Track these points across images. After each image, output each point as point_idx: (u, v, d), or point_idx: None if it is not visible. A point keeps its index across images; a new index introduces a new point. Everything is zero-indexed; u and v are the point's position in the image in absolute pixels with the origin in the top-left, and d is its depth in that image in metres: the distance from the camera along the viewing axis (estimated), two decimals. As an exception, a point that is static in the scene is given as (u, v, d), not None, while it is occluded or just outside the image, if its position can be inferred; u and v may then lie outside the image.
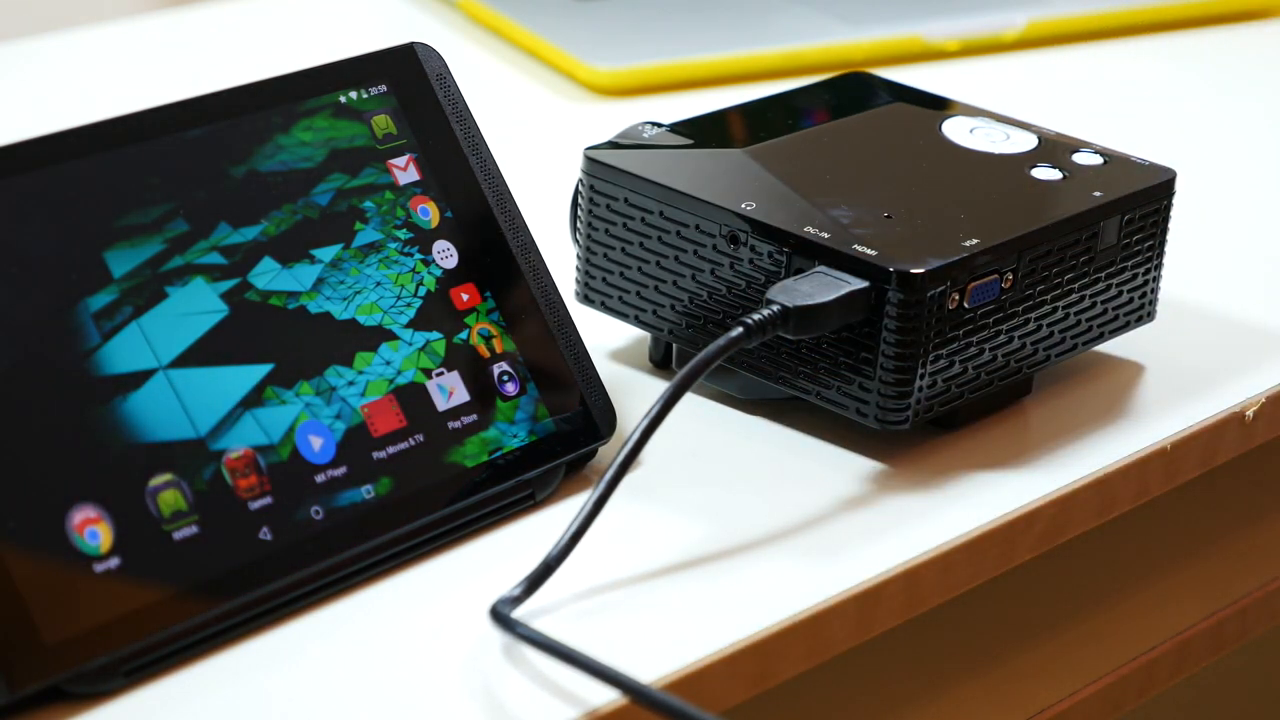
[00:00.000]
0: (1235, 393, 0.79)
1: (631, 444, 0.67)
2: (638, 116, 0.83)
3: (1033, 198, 0.77)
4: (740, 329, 0.70)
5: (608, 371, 0.77)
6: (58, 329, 0.62)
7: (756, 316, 0.70)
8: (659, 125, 0.81)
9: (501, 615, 0.63)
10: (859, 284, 0.71)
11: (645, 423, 0.67)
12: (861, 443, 0.74)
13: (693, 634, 0.64)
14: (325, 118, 0.70)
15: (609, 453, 0.72)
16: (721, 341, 0.69)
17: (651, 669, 0.62)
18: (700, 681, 0.63)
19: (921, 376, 0.71)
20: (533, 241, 0.73)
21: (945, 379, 0.73)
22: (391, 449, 0.67)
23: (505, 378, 0.71)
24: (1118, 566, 0.87)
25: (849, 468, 0.73)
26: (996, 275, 0.73)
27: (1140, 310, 0.80)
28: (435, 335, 0.70)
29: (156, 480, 0.63)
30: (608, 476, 0.66)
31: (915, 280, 0.70)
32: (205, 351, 0.65)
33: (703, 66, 1.11)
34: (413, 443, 0.68)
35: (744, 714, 0.66)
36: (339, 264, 0.69)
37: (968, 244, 0.72)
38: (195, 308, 0.65)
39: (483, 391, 0.70)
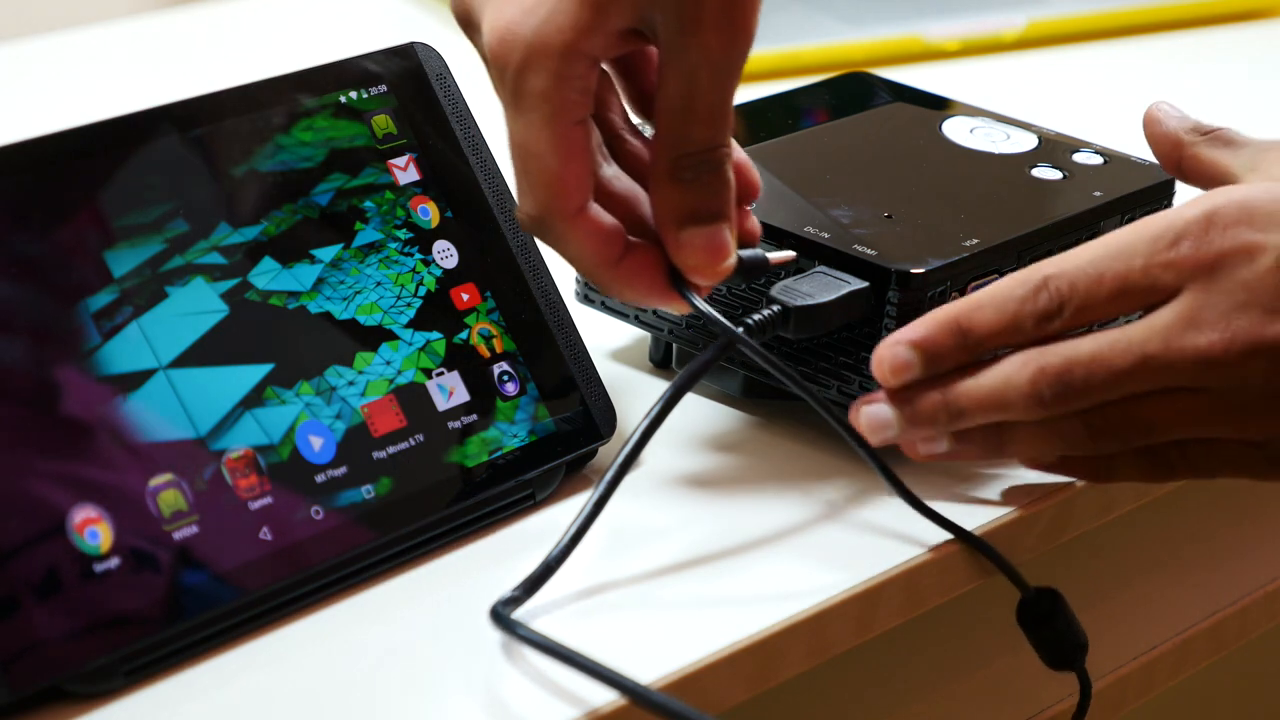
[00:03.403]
0: (1235, 393, 0.79)
1: (631, 445, 0.66)
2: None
3: (1033, 197, 0.77)
4: (740, 329, 0.70)
5: (608, 371, 0.77)
6: (58, 329, 0.62)
7: (756, 316, 0.70)
8: (659, 125, 0.80)
9: (502, 616, 0.63)
10: (859, 284, 0.71)
11: (645, 423, 0.67)
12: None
13: (693, 634, 0.64)
14: (325, 118, 0.70)
15: (609, 452, 0.72)
16: (721, 343, 0.69)
17: (651, 669, 0.62)
18: (700, 681, 0.63)
19: (922, 376, 0.71)
20: (533, 241, 0.73)
21: (945, 379, 0.72)
22: (391, 449, 0.67)
23: (505, 378, 0.71)
24: (1117, 566, 0.87)
25: (849, 468, 0.73)
26: (997, 275, 0.73)
27: (1140, 310, 0.80)
28: (435, 335, 0.70)
29: (156, 480, 0.63)
30: (608, 477, 0.66)
31: (915, 280, 0.70)
32: (205, 351, 0.65)
33: (703, 66, 1.10)
34: (413, 443, 0.68)
35: (744, 714, 0.66)
36: (339, 264, 0.69)
37: (968, 244, 0.72)
38: (195, 308, 0.65)
39: (483, 391, 0.70)
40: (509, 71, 0.64)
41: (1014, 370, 0.67)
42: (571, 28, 0.64)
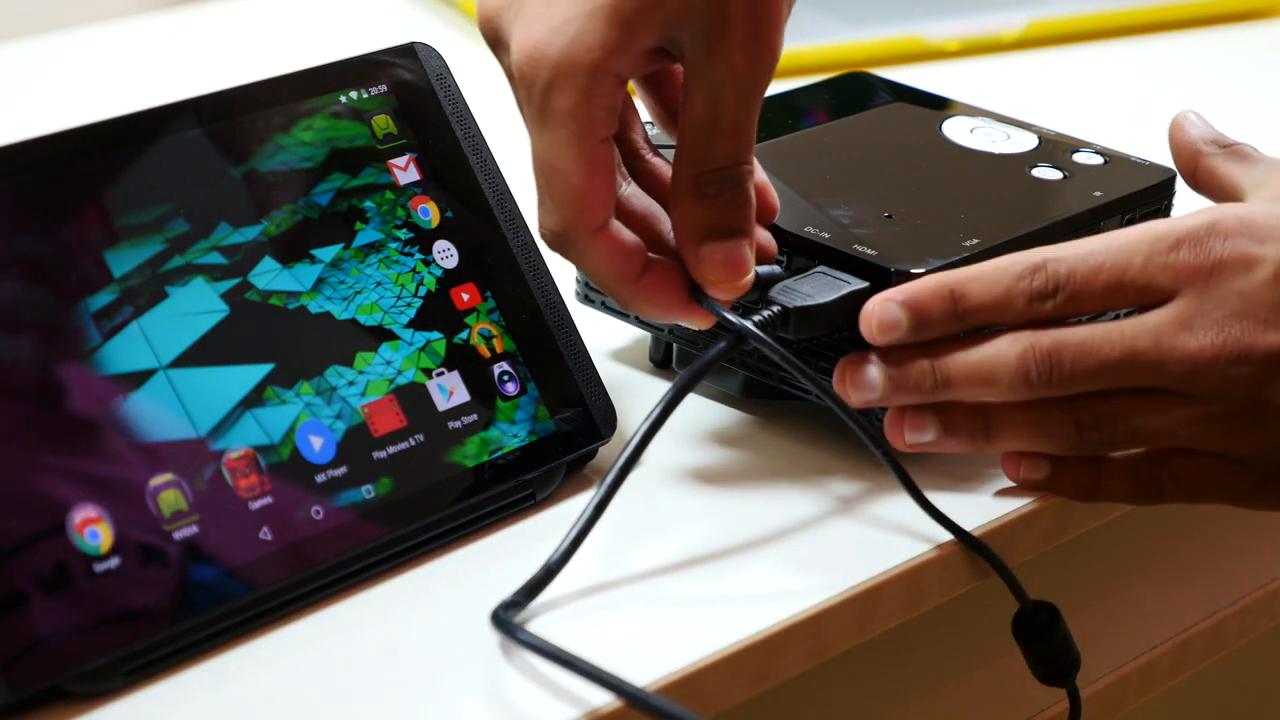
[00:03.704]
0: (1235, 393, 0.79)
1: (632, 448, 0.66)
2: (638, 116, 0.82)
3: (1033, 197, 0.77)
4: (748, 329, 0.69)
5: (608, 371, 0.77)
6: (58, 329, 0.62)
7: (757, 318, 0.70)
8: (659, 125, 0.81)
9: (503, 621, 0.63)
10: (860, 284, 0.71)
11: (646, 425, 0.67)
12: (862, 442, 0.74)
13: (693, 634, 0.64)
14: (325, 118, 0.70)
15: (609, 452, 0.72)
16: (723, 343, 0.69)
17: (652, 669, 0.62)
18: (700, 681, 0.63)
19: (922, 376, 0.71)
20: (533, 241, 0.73)
21: (945, 379, 0.72)
22: (392, 449, 0.67)
23: (505, 378, 0.71)
24: (1117, 566, 0.87)
25: (849, 468, 0.73)
26: (997, 275, 0.73)
27: (1140, 310, 0.80)
28: (435, 335, 0.70)
29: (157, 480, 0.63)
30: (608, 480, 0.66)
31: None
32: (205, 351, 0.65)
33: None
34: (413, 443, 0.68)
35: (744, 714, 0.66)
36: (339, 264, 0.69)
37: (968, 244, 0.72)
38: (195, 308, 0.65)
39: (483, 391, 0.70)
40: (536, 89, 0.65)
41: (1004, 345, 0.68)
42: (600, 47, 0.64)
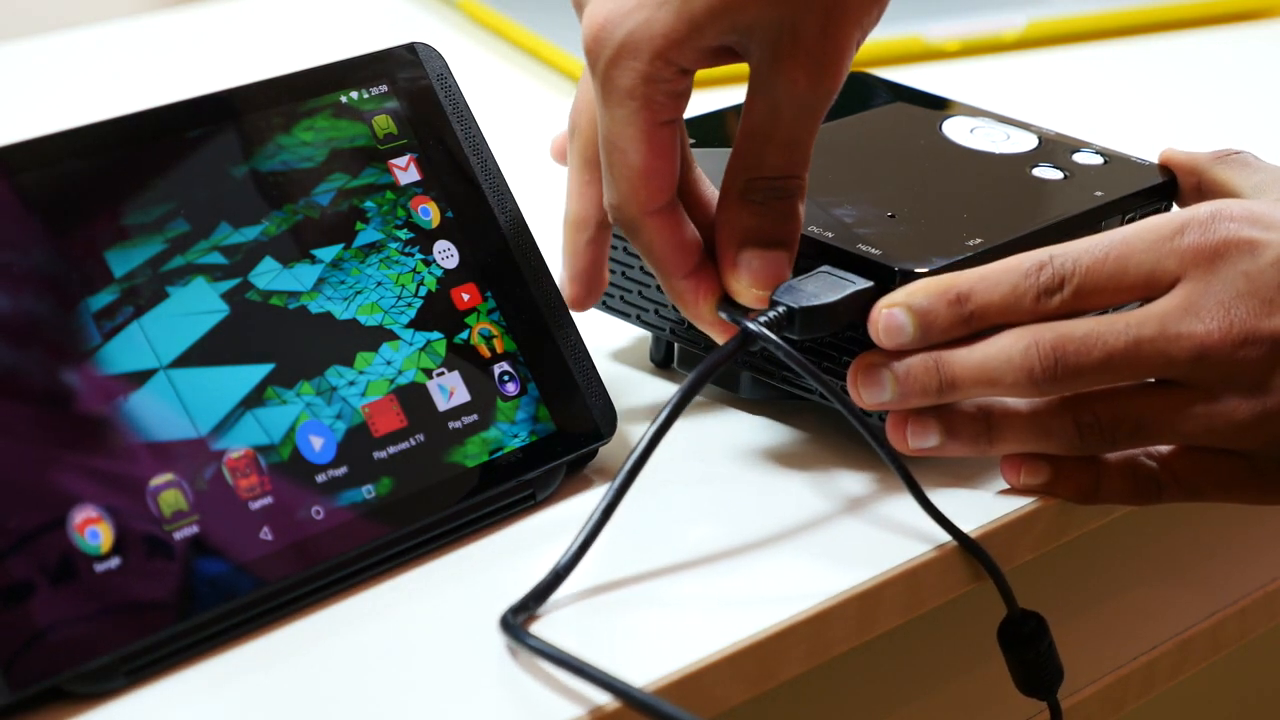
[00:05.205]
0: (1236, 393, 0.79)
1: (639, 452, 0.66)
2: (638, 116, 0.82)
3: (1034, 197, 0.77)
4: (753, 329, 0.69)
5: (608, 371, 0.77)
6: (59, 329, 0.62)
7: (762, 318, 0.70)
8: (660, 125, 0.80)
9: (511, 626, 0.63)
10: (864, 284, 0.71)
11: (654, 429, 0.66)
12: (864, 442, 0.74)
13: (693, 634, 0.64)
14: (326, 118, 0.70)
15: (609, 453, 0.72)
16: (729, 345, 0.69)
17: (652, 669, 0.62)
18: (700, 681, 0.63)
19: (923, 376, 0.71)
20: (534, 241, 0.73)
21: (946, 379, 0.72)
22: (392, 449, 0.67)
23: (506, 378, 0.71)
24: (1118, 566, 0.87)
25: (851, 468, 0.73)
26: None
27: (1141, 310, 0.80)
28: (436, 335, 0.70)
29: (157, 480, 0.63)
30: (616, 484, 0.66)
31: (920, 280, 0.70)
32: (206, 351, 0.65)
33: (703, 66, 1.10)
34: (413, 443, 0.68)
35: (744, 714, 0.66)
36: (340, 264, 0.69)
37: (971, 243, 0.72)
38: (196, 308, 0.65)
39: (483, 391, 0.70)
40: (599, 64, 0.66)
41: (1008, 343, 0.68)
42: (663, 35, 0.65)
